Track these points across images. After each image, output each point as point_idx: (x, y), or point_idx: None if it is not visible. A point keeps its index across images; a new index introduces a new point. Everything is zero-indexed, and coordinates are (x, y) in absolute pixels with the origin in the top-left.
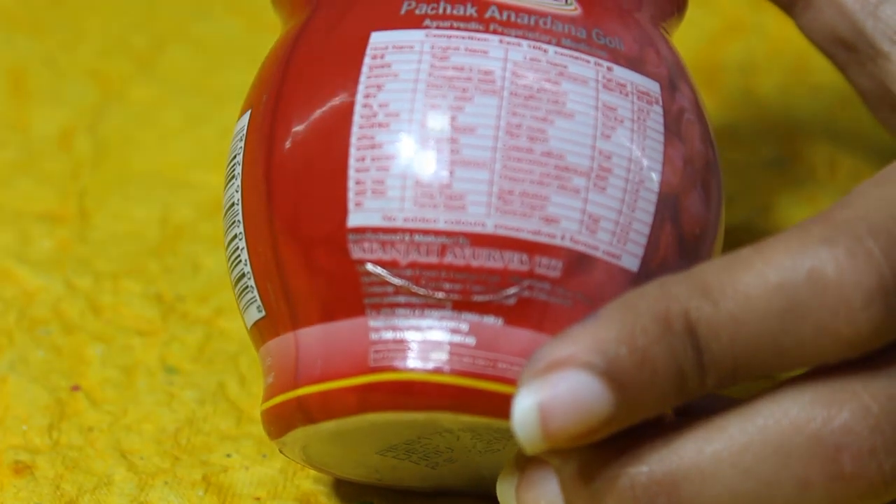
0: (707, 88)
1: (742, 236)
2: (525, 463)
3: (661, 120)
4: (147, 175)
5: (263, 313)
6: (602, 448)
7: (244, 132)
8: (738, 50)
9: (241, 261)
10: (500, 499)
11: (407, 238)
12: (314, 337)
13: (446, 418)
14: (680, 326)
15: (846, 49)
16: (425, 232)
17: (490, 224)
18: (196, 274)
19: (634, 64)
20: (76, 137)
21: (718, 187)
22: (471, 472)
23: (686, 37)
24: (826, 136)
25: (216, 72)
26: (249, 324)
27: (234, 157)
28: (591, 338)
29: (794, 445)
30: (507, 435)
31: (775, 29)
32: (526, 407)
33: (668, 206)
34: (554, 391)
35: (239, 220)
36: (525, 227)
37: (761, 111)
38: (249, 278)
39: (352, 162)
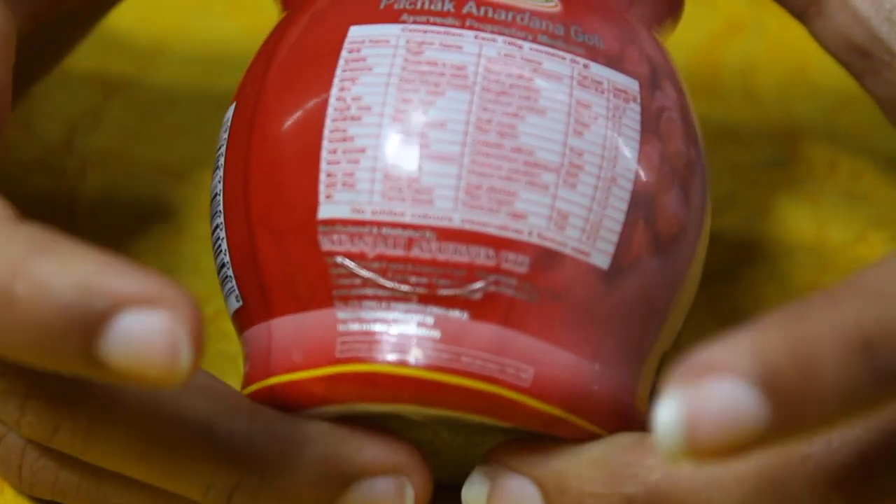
0: (707, 88)
1: (742, 236)
2: (495, 473)
3: (637, 118)
4: (147, 175)
5: (241, 303)
6: (590, 463)
7: (229, 123)
8: (738, 50)
9: (221, 250)
10: None
11: (375, 231)
12: (286, 327)
13: (411, 410)
14: (855, 339)
15: (861, 56)
16: (393, 225)
17: (457, 218)
18: (196, 274)
19: (613, 62)
20: (76, 137)
21: (702, 187)
22: (455, 466)
23: (686, 37)
24: (826, 136)
25: (216, 72)
26: (230, 313)
27: (220, 148)
28: (751, 344)
29: (787, 482)
30: (483, 430)
31: (775, 29)
32: (672, 412)
33: (641, 204)
34: (705, 398)
35: (220, 210)
36: (492, 223)
37: (761, 111)
38: (229, 268)
39: (324, 154)
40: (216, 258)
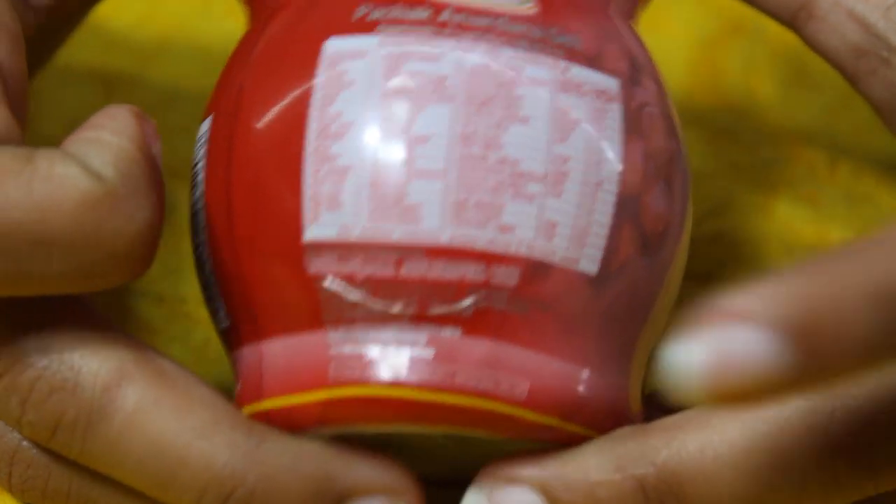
0: (707, 88)
1: (742, 236)
2: (492, 487)
3: (619, 118)
4: None
5: (229, 322)
6: (593, 455)
7: (206, 138)
8: (738, 50)
9: (206, 270)
10: None
11: (363, 252)
12: (277, 349)
13: (408, 429)
14: (881, 292)
15: (857, 56)
16: (381, 246)
17: (445, 235)
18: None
19: (592, 62)
20: None
21: (684, 180)
22: (447, 464)
23: (686, 37)
24: (826, 136)
25: (217, 71)
26: (218, 329)
27: (197, 163)
28: (774, 292)
29: (794, 455)
30: (481, 439)
31: (775, 29)
32: (692, 355)
33: (628, 205)
34: (728, 343)
35: (203, 228)
36: (481, 237)
37: (761, 111)
38: (215, 287)
39: (307, 176)
40: (200, 275)
